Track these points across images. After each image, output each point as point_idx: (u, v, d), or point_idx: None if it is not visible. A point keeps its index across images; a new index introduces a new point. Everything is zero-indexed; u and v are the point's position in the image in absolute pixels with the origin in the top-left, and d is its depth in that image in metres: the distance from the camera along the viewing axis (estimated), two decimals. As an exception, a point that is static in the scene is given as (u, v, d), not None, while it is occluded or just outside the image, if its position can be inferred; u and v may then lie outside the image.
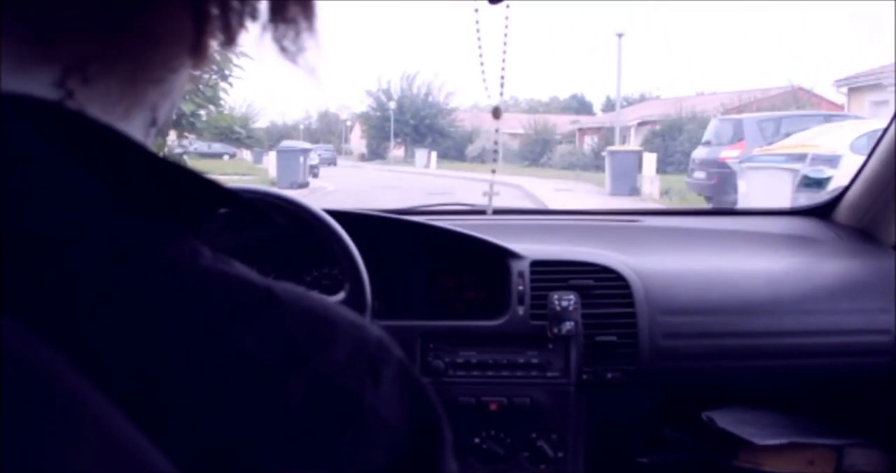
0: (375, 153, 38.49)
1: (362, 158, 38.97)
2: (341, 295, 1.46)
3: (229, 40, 0.38)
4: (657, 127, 23.49)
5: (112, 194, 0.34)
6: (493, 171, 1.76)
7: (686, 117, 22.42)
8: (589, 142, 27.63)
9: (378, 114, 38.77)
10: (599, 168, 21.35)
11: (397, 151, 37.43)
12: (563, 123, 32.01)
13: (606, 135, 24.60)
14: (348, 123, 44.71)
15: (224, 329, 0.34)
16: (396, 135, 37.01)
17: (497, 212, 1.96)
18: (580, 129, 30.98)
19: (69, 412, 0.27)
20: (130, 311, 0.32)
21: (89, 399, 0.28)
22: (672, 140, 21.23)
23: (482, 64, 1.39)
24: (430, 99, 38.62)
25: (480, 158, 29.14)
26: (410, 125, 36.93)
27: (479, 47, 1.39)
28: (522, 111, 40.13)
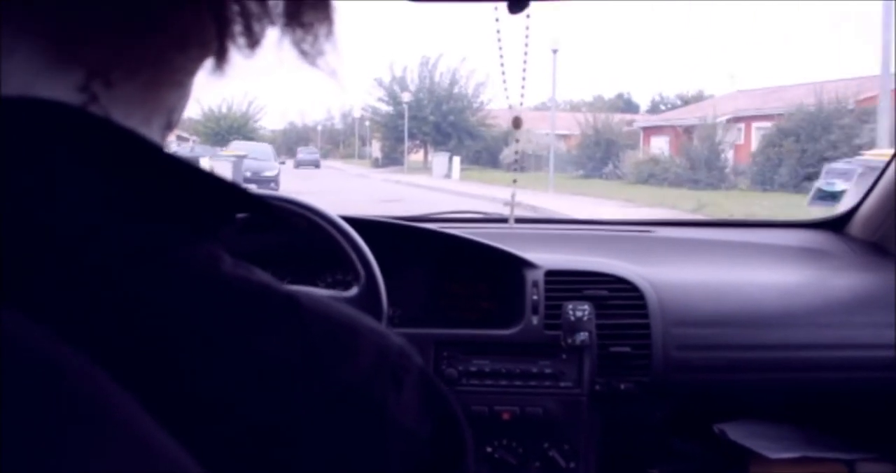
0: (391, 158, 31.20)
1: (375, 164, 31.93)
2: (354, 291, 1.46)
3: (252, 44, 0.39)
4: (771, 123, 16.75)
5: (134, 198, 0.35)
6: (515, 181, 1.76)
7: (831, 109, 15.30)
8: (658, 145, 21.55)
9: (390, 109, 30.77)
10: (699, 184, 16.09)
11: (415, 155, 30.49)
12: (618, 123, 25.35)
13: (708, 131, 17.90)
14: (367, 123, 37.22)
15: (244, 334, 0.34)
16: (413, 136, 29.72)
17: (518, 220, 1.96)
18: (645, 129, 24.36)
19: (94, 410, 0.27)
20: (149, 313, 0.32)
21: (114, 397, 0.28)
22: (813, 141, 14.65)
23: (503, 72, 1.39)
24: (457, 90, 30.11)
25: (519, 165, 24.60)
26: (430, 122, 29.05)
27: (501, 56, 1.39)
28: (563, 112, 31.73)
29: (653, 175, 17.97)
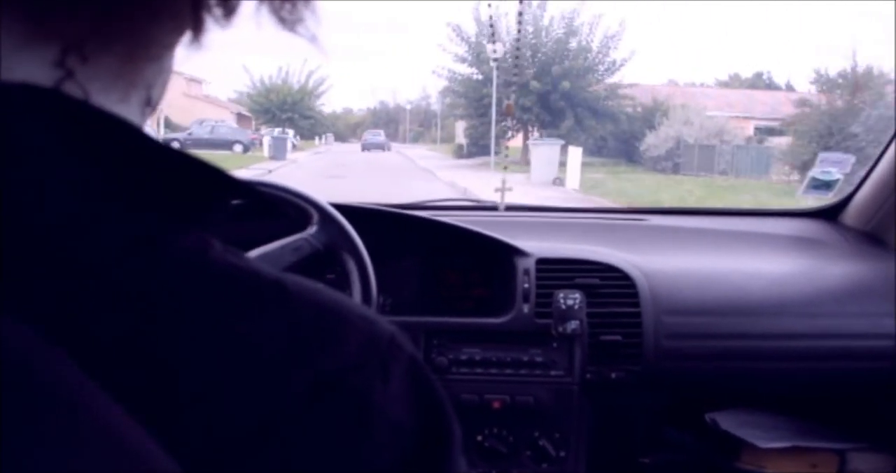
0: (481, 145, 19.81)
1: (459, 153, 22.02)
2: (313, 229, 1.48)
3: (227, 13, 0.38)
4: None
5: (119, 186, 0.34)
6: (505, 168, 1.75)
7: None
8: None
9: (474, 71, 19.34)
10: None
11: (513, 142, 18.29)
12: (781, 102, 16.65)
13: None
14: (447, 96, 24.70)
15: (231, 322, 0.34)
16: (506, 114, 13.50)
17: (508, 208, 1.95)
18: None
19: (70, 412, 0.26)
20: (137, 304, 0.31)
21: (91, 398, 0.27)
22: None
23: (518, 57, 1.36)
24: (574, 44, 18.72)
25: (670, 160, 15.13)
26: (533, 91, 17.85)
27: (518, 41, 1.37)
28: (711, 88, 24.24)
29: None
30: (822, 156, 1.96)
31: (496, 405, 1.57)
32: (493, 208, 1.96)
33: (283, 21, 0.38)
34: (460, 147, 22.50)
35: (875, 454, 1.64)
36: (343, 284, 1.51)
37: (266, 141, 20.82)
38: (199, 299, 0.33)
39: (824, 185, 1.89)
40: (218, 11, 0.37)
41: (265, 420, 0.32)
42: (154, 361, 0.31)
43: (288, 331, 0.35)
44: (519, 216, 1.96)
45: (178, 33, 0.39)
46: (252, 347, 0.33)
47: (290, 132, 25.01)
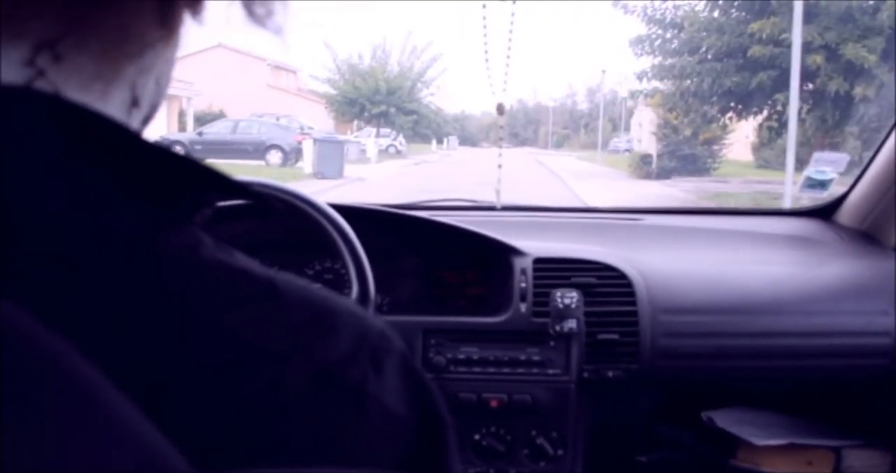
0: (679, 155, 13.36)
1: (644, 168, 14.15)
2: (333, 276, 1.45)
3: (195, 9, 0.38)
4: None
5: (107, 182, 0.34)
6: (500, 167, 1.75)
7: None
8: None
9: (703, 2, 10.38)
10: None
11: (731, 151, 12.24)
12: None
13: None
14: (629, 102, 19.49)
15: (224, 319, 0.34)
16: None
17: (505, 208, 1.95)
18: None
19: (79, 400, 0.26)
20: (130, 300, 0.32)
21: (100, 386, 0.28)
22: None
23: (487, 60, 1.38)
24: None
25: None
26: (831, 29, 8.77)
27: (486, 43, 1.39)
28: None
29: None
30: (816, 155, 1.97)
31: (494, 404, 1.57)
32: (491, 208, 1.97)
33: (253, 15, 0.38)
34: (646, 158, 13.91)
35: (871, 451, 1.65)
36: (336, 281, 1.50)
37: (307, 147, 13.72)
38: (191, 296, 0.34)
39: (819, 184, 1.90)
40: (188, 5, 0.37)
41: (261, 414, 0.33)
42: (148, 357, 0.31)
43: (280, 326, 0.35)
44: (516, 216, 1.96)
45: (156, 30, 0.38)
46: (244, 343, 0.34)
47: (391, 132, 19.81)
